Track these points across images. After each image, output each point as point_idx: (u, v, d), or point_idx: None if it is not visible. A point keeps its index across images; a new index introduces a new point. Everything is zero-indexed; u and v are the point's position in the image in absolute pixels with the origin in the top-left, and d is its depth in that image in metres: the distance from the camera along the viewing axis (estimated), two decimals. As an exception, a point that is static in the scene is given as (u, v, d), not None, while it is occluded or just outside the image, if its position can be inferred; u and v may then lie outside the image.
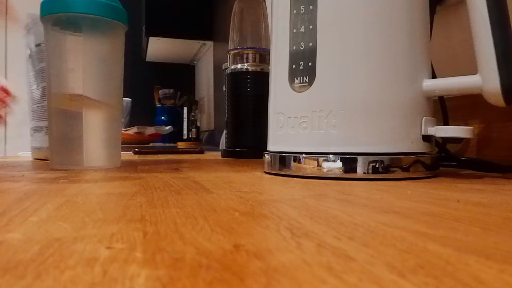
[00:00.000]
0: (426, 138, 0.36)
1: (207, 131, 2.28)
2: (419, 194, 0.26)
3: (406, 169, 0.34)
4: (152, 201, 0.23)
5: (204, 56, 2.48)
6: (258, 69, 0.76)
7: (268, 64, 0.75)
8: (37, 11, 0.65)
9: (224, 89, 0.81)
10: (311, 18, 0.36)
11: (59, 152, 0.47)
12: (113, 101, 0.48)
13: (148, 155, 0.88)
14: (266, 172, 0.41)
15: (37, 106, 0.64)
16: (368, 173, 0.34)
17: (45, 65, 0.50)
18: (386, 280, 0.10)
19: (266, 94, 0.42)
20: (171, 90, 2.52)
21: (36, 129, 0.67)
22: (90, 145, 0.47)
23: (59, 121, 0.47)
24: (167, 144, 2.05)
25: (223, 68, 0.83)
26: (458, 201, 0.23)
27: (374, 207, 0.21)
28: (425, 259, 0.12)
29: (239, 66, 0.77)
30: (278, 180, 0.35)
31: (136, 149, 0.90)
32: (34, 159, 0.69)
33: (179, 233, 0.15)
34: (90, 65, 0.45)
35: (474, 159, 0.44)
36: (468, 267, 0.11)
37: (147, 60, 2.64)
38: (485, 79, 0.32)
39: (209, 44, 2.24)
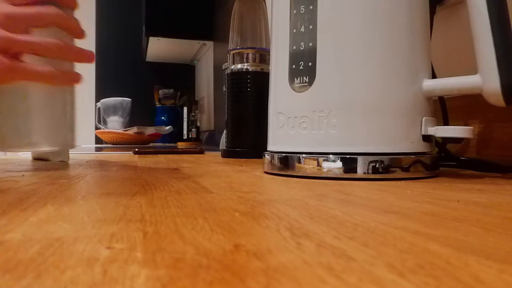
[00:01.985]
0: (426, 138, 0.36)
1: (207, 131, 2.28)
2: (419, 194, 0.26)
3: (406, 169, 0.34)
4: (152, 201, 0.23)
5: (204, 56, 2.48)
6: (258, 69, 0.76)
7: (268, 64, 0.75)
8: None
9: (224, 89, 0.81)
10: (311, 18, 0.36)
11: (1, 133, 0.41)
12: (65, 68, 0.40)
13: (148, 155, 0.88)
14: (266, 172, 0.41)
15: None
16: (368, 173, 0.34)
17: None
18: (386, 280, 0.10)
19: (266, 94, 0.42)
20: (171, 90, 2.51)
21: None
22: (31, 124, 0.39)
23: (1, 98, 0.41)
24: (167, 144, 2.05)
25: (223, 68, 0.83)
26: (458, 201, 0.23)
27: (374, 207, 0.21)
28: (425, 259, 0.12)
29: (239, 66, 0.77)
30: (278, 180, 0.35)
31: (136, 149, 0.90)
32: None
33: (179, 233, 0.15)
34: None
35: (474, 159, 0.44)
36: (468, 267, 0.11)
37: (147, 60, 2.64)
38: (485, 79, 0.32)
39: (209, 44, 2.24)
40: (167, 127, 2.03)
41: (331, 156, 0.34)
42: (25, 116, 0.39)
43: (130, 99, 2.27)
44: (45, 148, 0.41)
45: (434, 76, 0.40)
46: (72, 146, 0.44)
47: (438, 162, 0.38)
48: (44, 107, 0.41)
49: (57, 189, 0.28)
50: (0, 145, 0.42)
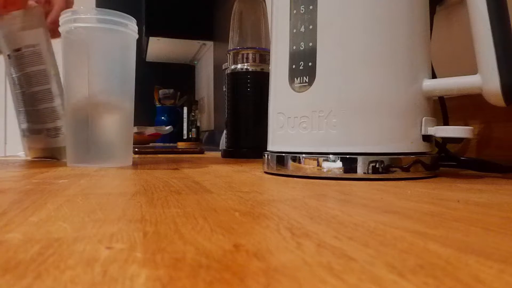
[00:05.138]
0: (426, 138, 0.36)
1: (207, 131, 2.28)
2: (419, 194, 0.26)
3: (406, 169, 0.34)
4: (152, 201, 0.23)
5: (204, 56, 2.48)
6: (258, 69, 0.76)
7: (268, 64, 0.75)
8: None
9: (224, 89, 0.81)
10: (311, 18, 0.36)
11: (72, 152, 0.50)
12: (125, 103, 0.50)
13: (148, 155, 0.88)
14: (266, 172, 0.41)
15: (33, 109, 0.64)
16: (368, 173, 0.34)
17: (63, 70, 0.52)
18: (386, 280, 0.10)
19: (266, 94, 0.42)
20: (171, 90, 2.51)
21: (34, 131, 0.67)
22: (99, 145, 0.49)
23: (72, 123, 0.50)
24: (167, 144, 2.04)
25: (223, 68, 0.83)
26: (458, 201, 0.23)
27: (374, 207, 0.21)
28: (425, 259, 0.12)
29: (239, 66, 0.77)
30: (278, 180, 0.35)
31: (136, 149, 0.90)
32: (34, 159, 0.69)
33: (179, 233, 0.15)
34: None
35: (474, 159, 0.44)
36: (468, 267, 0.11)
37: (147, 60, 2.64)
38: (485, 79, 0.32)
39: (209, 44, 2.24)
40: (167, 127, 2.03)
41: (331, 156, 0.34)
42: (87, 140, 0.49)
43: (130, 99, 2.27)
44: (104, 165, 0.49)
45: (434, 76, 0.40)
46: (129, 163, 0.53)
47: (438, 162, 0.38)
48: (104, 133, 0.50)
49: (57, 189, 0.28)
50: (69, 160, 0.51)
